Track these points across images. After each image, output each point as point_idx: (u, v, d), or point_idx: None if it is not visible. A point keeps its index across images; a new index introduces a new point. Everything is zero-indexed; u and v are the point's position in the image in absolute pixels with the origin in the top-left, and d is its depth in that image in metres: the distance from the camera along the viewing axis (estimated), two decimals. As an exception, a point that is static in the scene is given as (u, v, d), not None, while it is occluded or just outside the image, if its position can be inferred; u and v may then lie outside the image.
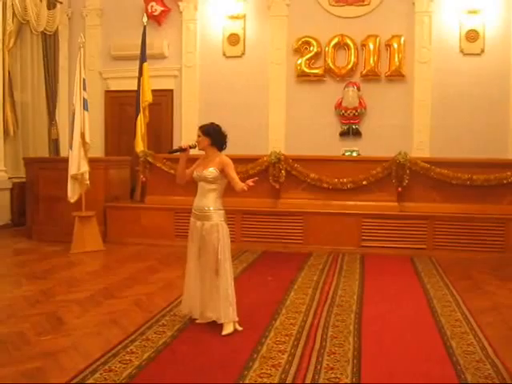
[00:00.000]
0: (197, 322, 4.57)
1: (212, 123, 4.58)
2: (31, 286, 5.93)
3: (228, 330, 4.31)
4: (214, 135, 4.50)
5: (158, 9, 10.81)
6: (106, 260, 7.52)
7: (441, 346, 4.10)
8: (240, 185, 4.31)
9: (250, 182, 4.23)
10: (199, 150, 4.60)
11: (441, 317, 4.82)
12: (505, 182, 7.74)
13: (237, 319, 4.42)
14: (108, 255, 7.74)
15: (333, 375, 3.52)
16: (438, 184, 7.92)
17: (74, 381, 3.42)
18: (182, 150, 4.64)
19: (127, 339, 4.20)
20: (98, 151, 10.84)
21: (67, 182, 7.79)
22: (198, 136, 4.54)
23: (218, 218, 4.44)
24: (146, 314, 4.92)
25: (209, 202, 4.44)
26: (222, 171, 4.42)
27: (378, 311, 5.01)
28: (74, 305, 5.22)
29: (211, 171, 4.41)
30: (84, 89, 7.89)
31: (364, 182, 8.01)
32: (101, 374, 3.54)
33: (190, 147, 4.61)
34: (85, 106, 7.90)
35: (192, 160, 4.75)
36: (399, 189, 7.92)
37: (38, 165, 8.83)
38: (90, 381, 3.43)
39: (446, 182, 7.86)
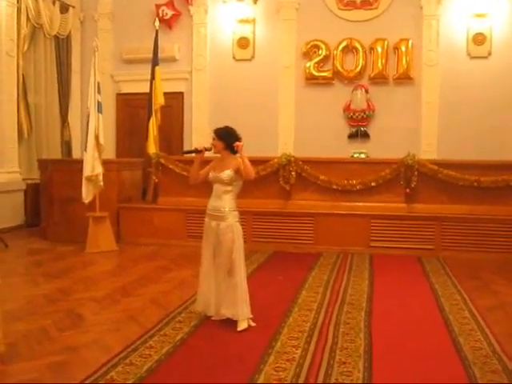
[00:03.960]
0: (212, 318, 4.71)
1: (227, 127, 4.69)
2: (49, 285, 6.08)
3: (243, 326, 4.45)
4: (228, 139, 4.59)
5: (169, 13, 10.99)
6: (119, 260, 7.68)
7: (449, 342, 4.23)
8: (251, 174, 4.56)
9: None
10: (214, 153, 4.72)
11: (449, 314, 4.95)
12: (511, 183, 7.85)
13: (251, 316, 4.56)
14: (122, 255, 7.89)
15: (345, 369, 3.66)
16: (446, 185, 8.02)
17: (98, 373, 3.58)
18: (197, 151, 4.77)
19: (146, 335, 4.35)
20: (109, 153, 10.96)
21: (81, 183, 7.96)
22: (213, 139, 4.65)
23: (232, 218, 4.56)
24: (162, 311, 5.07)
25: (224, 203, 4.55)
26: (238, 171, 4.53)
27: (387, 309, 5.15)
28: (92, 302, 5.38)
29: (228, 174, 4.52)
30: (98, 92, 8.07)
31: (373, 184, 8.13)
32: (122, 367, 3.69)
33: (206, 149, 4.73)
34: (99, 109, 8.06)
35: (205, 162, 4.86)
36: (407, 190, 8.03)
37: (53, 166, 8.99)
38: (113, 373, 3.58)
39: (454, 184, 7.97)
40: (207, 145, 4.77)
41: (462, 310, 5.09)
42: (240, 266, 4.56)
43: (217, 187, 4.62)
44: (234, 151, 4.61)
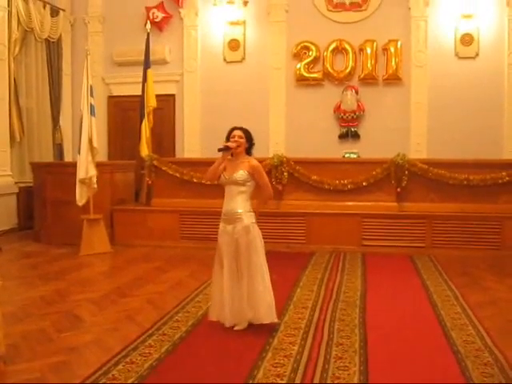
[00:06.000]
0: (235, 328, 4.48)
1: (247, 129, 4.66)
2: (45, 287, 6.12)
3: (241, 326, 4.47)
4: (250, 141, 4.61)
5: (160, 15, 11.05)
6: (114, 261, 7.73)
7: (442, 336, 4.34)
8: (271, 190, 4.61)
9: None
10: (234, 151, 4.55)
11: (441, 310, 5.05)
12: (500, 181, 7.97)
13: (275, 320, 4.49)
14: (116, 257, 7.94)
15: (342, 364, 3.75)
16: (436, 184, 8.15)
17: (100, 372, 3.64)
18: (227, 148, 4.54)
19: (145, 334, 4.41)
20: (101, 155, 10.96)
21: (75, 185, 7.98)
22: (240, 137, 4.54)
23: (248, 219, 4.48)
24: (160, 311, 5.12)
25: (238, 204, 4.47)
26: (253, 176, 4.48)
27: (381, 305, 5.26)
28: (90, 303, 5.43)
29: (242, 174, 4.44)
30: (91, 95, 8.12)
31: (364, 183, 8.25)
32: (123, 365, 3.76)
33: (230, 148, 4.55)
34: (92, 112, 8.11)
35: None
36: (398, 189, 8.15)
37: (46, 169, 9.02)
38: (114, 372, 3.65)
39: (444, 183, 8.10)
40: (233, 144, 4.55)
41: (454, 306, 5.20)
42: (260, 269, 4.46)
43: (230, 189, 4.52)
44: (249, 153, 4.61)
